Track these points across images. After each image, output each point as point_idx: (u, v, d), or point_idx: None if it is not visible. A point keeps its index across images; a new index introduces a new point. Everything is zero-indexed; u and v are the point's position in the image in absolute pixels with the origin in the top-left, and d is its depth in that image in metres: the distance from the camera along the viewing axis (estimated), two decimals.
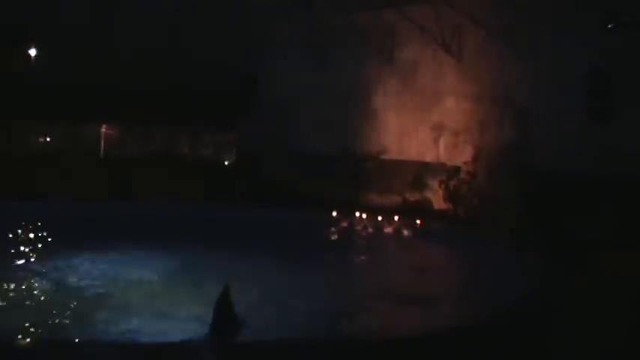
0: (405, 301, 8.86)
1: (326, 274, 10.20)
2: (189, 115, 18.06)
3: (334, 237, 13.30)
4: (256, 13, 17.69)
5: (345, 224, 13.66)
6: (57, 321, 7.60)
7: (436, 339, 6.55)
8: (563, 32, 13.09)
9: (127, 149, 18.62)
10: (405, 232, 13.18)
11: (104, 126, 18.25)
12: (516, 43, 13.88)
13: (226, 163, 19.14)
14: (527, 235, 12.02)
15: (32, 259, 10.42)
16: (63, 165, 16.10)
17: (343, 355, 6.13)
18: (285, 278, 9.74)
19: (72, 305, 8.11)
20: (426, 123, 15.97)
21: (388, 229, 13.40)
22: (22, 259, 10.42)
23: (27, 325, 7.37)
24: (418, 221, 13.36)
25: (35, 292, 8.77)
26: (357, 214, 13.85)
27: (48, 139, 18.31)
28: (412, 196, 15.80)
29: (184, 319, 7.50)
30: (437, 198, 15.25)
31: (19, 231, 11.53)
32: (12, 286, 8.77)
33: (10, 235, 11.29)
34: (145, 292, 8.85)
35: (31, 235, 11.51)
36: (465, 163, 14.86)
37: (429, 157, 15.85)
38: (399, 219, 13.51)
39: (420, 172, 15.86)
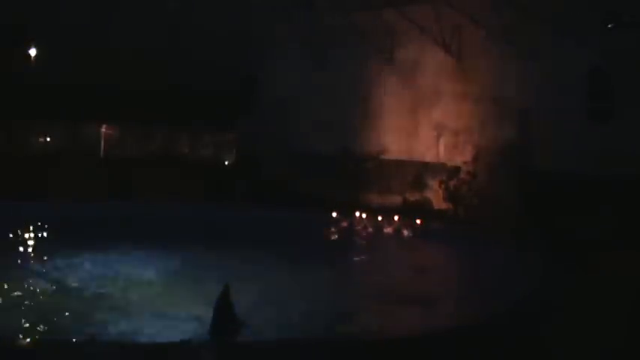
0: (405, 301, 8.85)
1: (326, 274, 10.19)
2: (189, 115, 18.07)
3: (334, 237, 13.31)
4: (256, 13, 17.70)
5: (345, 224, 13.66)
6: (57, 321, 7.60)
7: (436, 339, 6.55)
8: (563, 32, 13.09)
9: (127, 149, 18.62)
10: (405, 232, 13.17)
11: (104, 126, 18.26)
12: (516, 43, 13.88)
13: (226, 163, 19.15)
14: (527, 235, 12.02)
15: (32, 259, 10.43)
16: (63, 165, 16.11)
17: (343, 355, 6.13)
18: (285, 278, 9.74)
19: (72, 305, 8.11)
20: (425, 123, 15.97)
21: (388, 229, 13.39)
22: (22, 259, 10.43)
23: (27, 325, 7.37)
24: (418, 221, 13.35)
25: (35, 292, 8.76)
26: (357, 214, 13.85)
27: (48, 139, 18.31)
28: (412, 196, 15.79)
29: (184, 319, 7.50)
30: (437, 198, 15.25)
31: (19, 231, 11.55)
32: (12, 286, 8.76)
33: (10, 235, 11.31)
34: (145, 292, 8.85)
35: (31, 235, 11.53)
36: (465, 163, 14.86)
37: (429, 157, 15.84)
38: (399, 219, 13.51)
39: (420, 172, 15.86)
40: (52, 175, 15.30)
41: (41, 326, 7.35)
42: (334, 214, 13.79)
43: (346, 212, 13.88)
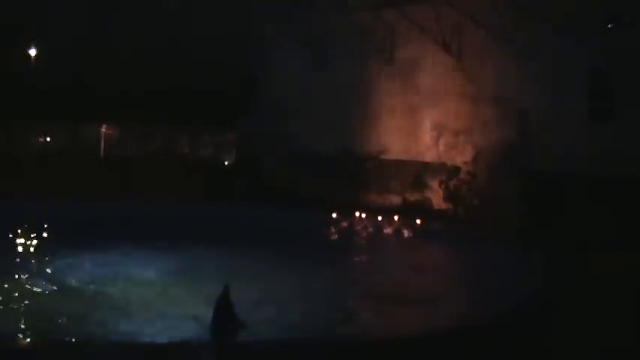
0: (405, 301, 8.85)
1: (326, 274, 10.19)
2: (189, 115, 18.08)
3: (334, 237, 13.30)
4: (256, 13, 17.71)
5: (345, 224, 13.66)
6: (57, 321, 7.60)
7: (436, 339, 6.55)
8: (563, 32, 13.09)
9: (127, 149, 18.64)
10: (405, 232, 13.17)
11: (104, 126, 18.27)
12: (516, 43, 13.88)
13: (226, 163, 19.16)
14: (527, 234, 12.02)
15: (32, 259, 10.41)
16: (63, 165, 16.11)
17: (343, 355, 6.13)
18: (285, 278, 9.73)
19: (72, 305, 8.10)
20: (426, 123, 15.97)
21: (388, 229, 13.39)
22: (22, 259, 10.42)
23: (27, 325, 7.37)
24: (418, 221, 13.36)
25: (35, 292, 8.76)
26: (357, 214, 13.85)
27: (48, 139, 18.33)
28: (412, 196, 15.80)
29: (184, 319, 7.49)
30: (437, 198, 15.25)
31: (19, 231, 11.54)
32: (12, 286, 8.76)
33: (11, 235, 11.30)
34: (145, 292, 8.84)
35: (31, 235, 11.52)
36: (465, 163, 14.86)
37: (429, 157, 15.85)
38: (399, 219, 13.51)
39: (420, 172, 15.86)
40: (52, 175, 15.30)
41: (41, 326, 7.34)
42: (334, 214, 13.79)
43: (346, 212, 13.88)
